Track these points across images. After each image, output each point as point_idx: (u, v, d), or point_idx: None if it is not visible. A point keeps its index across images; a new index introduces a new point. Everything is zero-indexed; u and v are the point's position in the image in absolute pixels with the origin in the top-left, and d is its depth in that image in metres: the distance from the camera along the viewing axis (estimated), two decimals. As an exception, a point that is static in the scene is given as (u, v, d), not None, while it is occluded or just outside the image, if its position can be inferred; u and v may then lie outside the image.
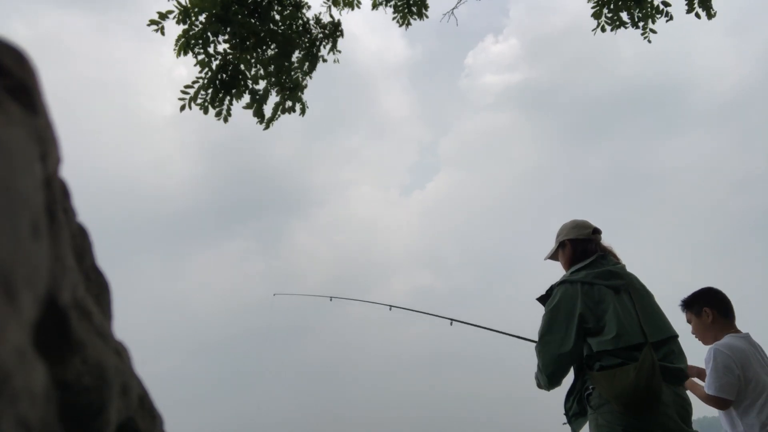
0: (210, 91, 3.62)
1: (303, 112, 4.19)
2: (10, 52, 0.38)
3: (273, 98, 4.03)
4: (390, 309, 3.85)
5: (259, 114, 3.89)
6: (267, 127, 3.99)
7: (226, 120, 3.75)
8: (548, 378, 2.25)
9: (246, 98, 3.82)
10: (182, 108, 3.54)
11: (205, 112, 3.63)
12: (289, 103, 4.08)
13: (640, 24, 4.01)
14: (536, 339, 2.36)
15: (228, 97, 3.70)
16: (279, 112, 4.05)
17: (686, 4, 3.84)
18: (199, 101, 3.60)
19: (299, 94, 4.10)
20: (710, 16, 3.88)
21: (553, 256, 2.65)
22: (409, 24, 4.51)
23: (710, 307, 2.97)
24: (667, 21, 3.99)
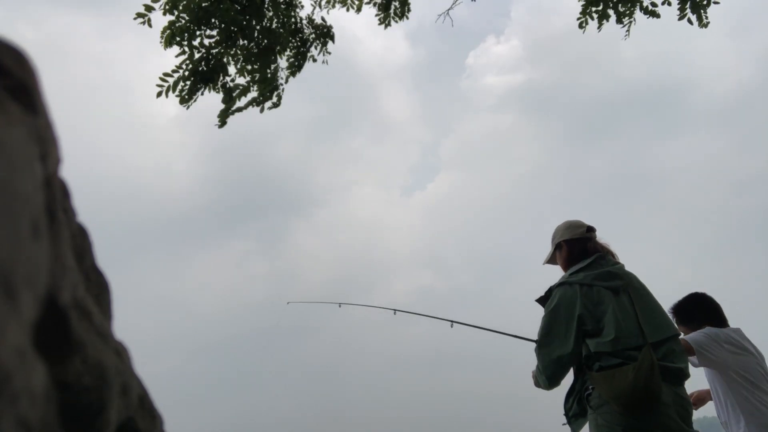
0: (189, 82, 3.58)
1: (273, 107, 4.13)
2: (10, 52, 0.38)
3: (251, 94, 4.00)
4: (395, 313, 3.92)
5: (222, 118, 3.83)
6: (225, 122, 3.92)
7: (188, 107, 3.69)
8: (548, 379, 2.27)
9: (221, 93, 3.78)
10: (158, 95, 3.50)
11: (182, 102, 3.58)
12: (262, 99, 4.04)
13: (624, 20, 4.02)
14: (535, 339, 2.37)
15: (203, 89, 3.67)
16: (251, 106, 4.00)
17: (678, 9, 3.83)
18: (177, 92, 3.56)
19: (279, 93, 4.09)
20: (702, 24, 3.87)
21: (551, 260, 2.66)
22: (389, 24, 4.51)
23: (708, 324, 3.00)
24: (648, 18, 3.97)
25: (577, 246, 2.50)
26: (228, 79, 3.77)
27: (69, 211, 0.46)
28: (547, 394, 2.37)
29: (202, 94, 3.67)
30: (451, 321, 3.41)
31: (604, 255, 2.46)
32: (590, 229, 2.54)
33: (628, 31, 4.07)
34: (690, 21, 3.85)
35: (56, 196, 0.41)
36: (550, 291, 2.39)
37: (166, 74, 3.51)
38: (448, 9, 4.73)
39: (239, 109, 3.93)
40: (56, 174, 0.42)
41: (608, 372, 2.09)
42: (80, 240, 0.47)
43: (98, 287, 0.50)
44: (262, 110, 4.04)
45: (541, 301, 2.42)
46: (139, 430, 0.49)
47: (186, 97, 3.58)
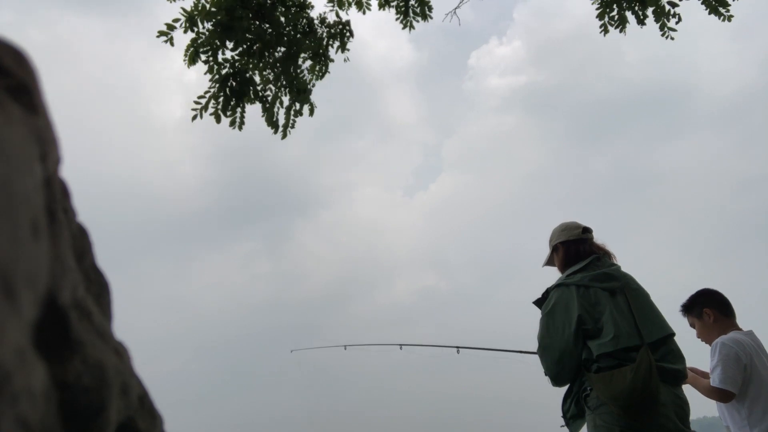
0: (221, 99, 3.61)
1: (311, 113, 4.18)
2: (10, 52, 0.38)
3: (284, 102, 4.02)
4: (401, 348, 4.03)
5: (271, 123, 3.89)
6: (284, 135, 4.00)
7: (240, 128, 3.74)
8: (553, 380, 2.29)
9: (258, 105, 3.82)
10: (194, 118, 3.54)
11: (218, 120, 3.61)
12: (297, 106, 4.06)
13: (657, 23, 3.96)
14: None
15: (240, 105, 3.69)
16: (292, 117, 4.04)
17: (703, 5, 3.75)
18: (210, 110, 3.59)
19: (308, 95, 4.10)
20: (725, 18, 3.75)
21: (550, 262, 2.68)
22: (412, 27, 4.46)
23: (710, 308, 3.01)
24: (677, 23, 3.92)
25: (572, 247, 2.51)
26: (259, 89, 3.79)
27: (69, 211, 0.46)
28: (547, 394, 2.37)
29: (243, 109, 3.70)
30: (457, 347, 3.51)
31: (601, 256, 2.46)
32: (586, 230, 2.55)
33: (667, 28, 3.97)
34: (719, 13, 3.74)
35: (56, 196, 0.41)
36: (547, 293, 2.40)
37: (200, 96, 3.55)
38: (456, 8, 4.72)
39: (287, 126, 3.96)
40: (56, 174, 0.42)
41: (606, 373, 2.09)
42: (80, 240, 0.47)
43: (98, 287, 0.50)
44: (300, 114, 4.05)
45: (539, 303, 2.43)
46: (139, 430, 0.49)
47: (221, 114, 3.60)
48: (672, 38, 4.03)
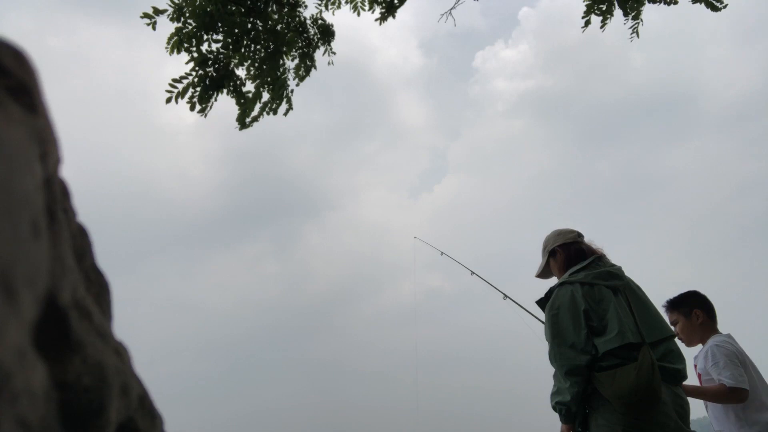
0: (199, 88, 3.57)
1: (286, 112, 4.15)
2: (10, 52, 0.38)
3: (264, 98, 4.01)
4: (471, 274, 4.13)
5: (242, 121, 3.87)
6: (248, 127, 3.98)
7: (205, 115, 3.70)
8: (571, 383, 2.15)
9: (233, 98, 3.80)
10: (168, 100, 3.48)
11: (192, 108, 3.57)
12: (275, 104, 4.06)
13: (630, 13, 3.93)
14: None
15: (215, 95, 3.66)
16: (264, 112, 4.03)
17: None
18: (187, 98, 3.55)
19: (288, 95, 4.09)
20: (717, 8, 3.69)
21: (544, 272, 2.63)
22: (384, 20, 4.38)
23: (700, 309, 3.05)
24: (659, 4, 3.86)
25: (572, 248, 2.51)
26: (239, 83, 3.77)
27: (69, 211, 0.46)
28: (548, 390, 2.36)
29: (215, 100, 3.67)
30: (504, 294, 3.69)
31: (601, 257, 2.47)
32: (579, 235, 2.56)
33: (635, 31, 3.98)
34: (715, 7, 3.67)
35: (56, 196, 0.41)
36: (550, 292, 2.38)
37: (175, 80, 3.48)
38: (451, 8, 4.72)
39: (255, 119, 3.95)
40: (56, 174, 0.42)
41: (610, 372, 2.09)
42: (80, 240, 0.47)
43: (98, 287, 0.50)
44: (275, 113, 4.04)
45: (542, 303, 2.40)
46: (139, 430, 0.49)
47: (196, 103, 3.57)
48: (638, 35, 3.99)
